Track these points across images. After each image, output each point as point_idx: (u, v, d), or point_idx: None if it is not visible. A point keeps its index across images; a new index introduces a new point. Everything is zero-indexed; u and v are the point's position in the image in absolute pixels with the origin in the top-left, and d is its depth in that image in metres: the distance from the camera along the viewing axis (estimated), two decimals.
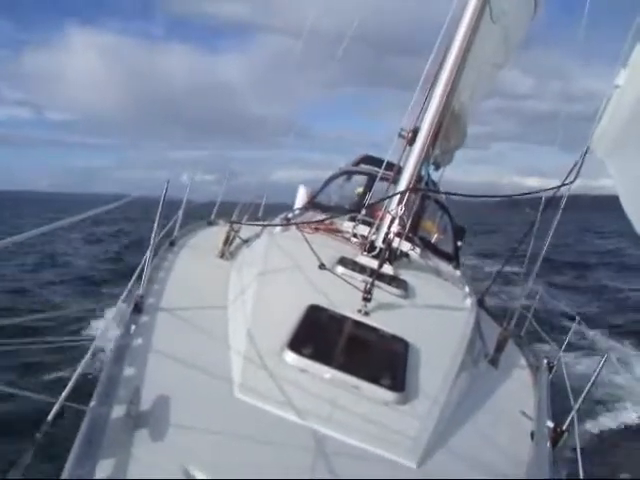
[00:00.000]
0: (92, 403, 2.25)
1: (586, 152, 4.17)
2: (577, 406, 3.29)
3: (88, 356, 2.65)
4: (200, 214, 6.30)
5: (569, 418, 3.22)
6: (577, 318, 5.25)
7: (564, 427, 3.19)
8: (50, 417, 2.20)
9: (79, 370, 2.49)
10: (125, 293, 3.38)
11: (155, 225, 3.65)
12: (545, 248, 4.86)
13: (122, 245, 21.37)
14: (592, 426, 6.09)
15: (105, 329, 2.89)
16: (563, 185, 4.25)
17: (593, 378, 3.27)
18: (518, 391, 3.92)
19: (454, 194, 5.65)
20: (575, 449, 3.21)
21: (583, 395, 3.30)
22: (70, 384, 2.39)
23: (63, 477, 1.82)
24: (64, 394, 2.32)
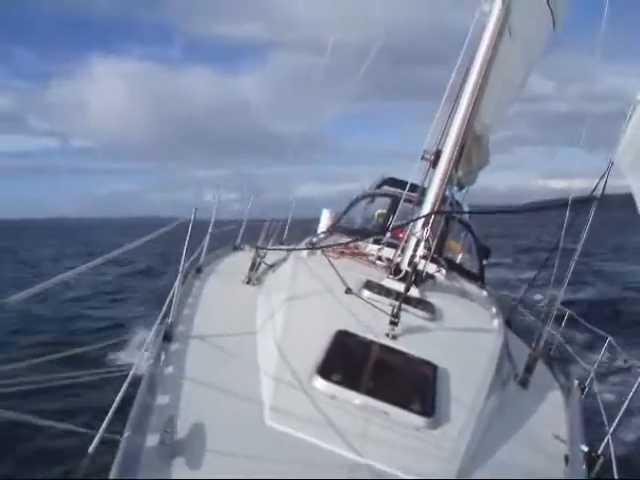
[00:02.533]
0: (126, 433, 2.30)
1: (610, 166, 4.15)
2: (612, 429, 3.24)
3: (125, 387, 2.70)
4: (226, 236, 6.36)
5: (604, 442, 3.17)
6: (608, 338, 5.17)
7: (599, 451, 3.14)
8: (91, 449, 2.25)
9: (117, 401, 2.55)
10: (157, 322, 3.44)
11: (184, 253, 3.71)
12: (572, 266, 4.80)
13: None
14: (629, 451, 5.92)
15: (139, 359, 2.95)
16: (591, 199, 4.23)
17: (628, 400, 3.23)
18: (550, 413, 3.86)
19: (478, 212, 5.64)
20: (612, 475, 3.15)
21: (618, 417, 3.25)
22: (109, 416, 2.44)
23: None
24: (104, 425, 2.38)
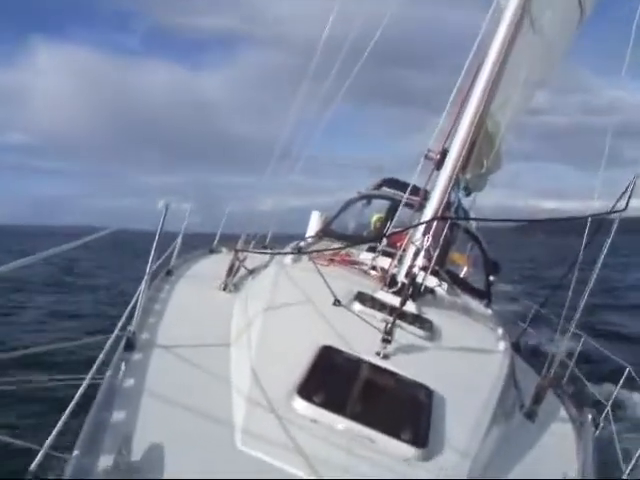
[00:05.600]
0: (75, 452, 2.27)
1: (635, 178, 4.22)
2: (629, 469, 3.26)
3: (76, 398, 2.69)
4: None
5: None
6: (628, 368, 5.21)
7: None
8: (33, 466, 2.23)
9: (66, 414, 2.53)
10: (117, 328, 3.43)
11: (152, 253, 3.70)
12: (591, 285, 4.83)
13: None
14: None
15: (95, 368, 2.93)
16: (613, 212, 4.28)
17: None
18: (559, 450, 3.87)
19: (488, 219, 5.66)
20: None
21: (635, 458, 3.27)
22: (56, 430, 2.42)
23: None
24: (49, 441, 2.36)
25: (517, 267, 33.18)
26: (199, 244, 6.36)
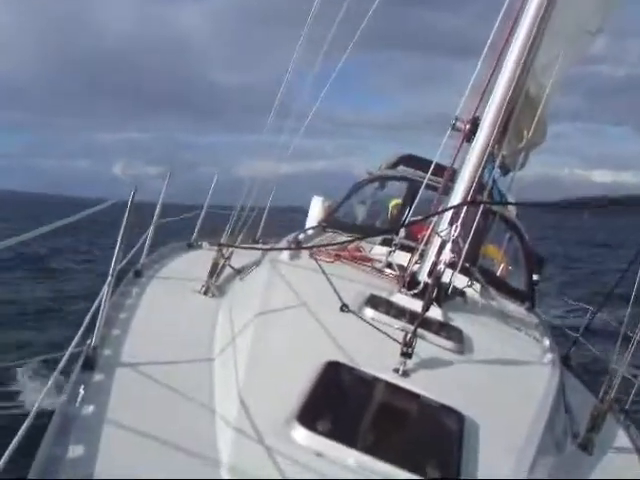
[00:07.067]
0: None
1: None
2: None
3: (24, 430, 2.67)
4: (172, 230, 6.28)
5: None
6: None
7: None
8: None
9: (11, 449, 2.51)
10: (74, 342, 3.41)
11: (116, 248, 3.68)
12: None
13: None
14: None
15: (44, 393, 2.91)
16: None
17: None
18: None
19: (531, 204, 5.62)
20: None
21: None
22: None
23: None
24: None
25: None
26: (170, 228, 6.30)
